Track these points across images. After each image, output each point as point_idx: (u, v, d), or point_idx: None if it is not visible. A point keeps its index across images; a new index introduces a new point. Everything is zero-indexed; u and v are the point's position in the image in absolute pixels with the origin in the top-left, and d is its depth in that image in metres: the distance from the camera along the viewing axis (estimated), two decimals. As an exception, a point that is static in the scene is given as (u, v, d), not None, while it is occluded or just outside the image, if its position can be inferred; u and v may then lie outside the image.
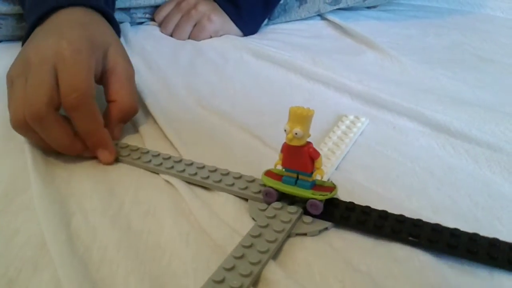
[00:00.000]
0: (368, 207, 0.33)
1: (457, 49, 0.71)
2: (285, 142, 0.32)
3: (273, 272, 0.28)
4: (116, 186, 0.37)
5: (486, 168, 0.39)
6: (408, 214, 0.32)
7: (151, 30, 0.76)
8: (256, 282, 0.28)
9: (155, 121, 0.46)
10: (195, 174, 0.37)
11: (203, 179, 0.36)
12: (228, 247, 0.30)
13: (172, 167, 0.38)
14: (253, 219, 0.33)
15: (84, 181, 0.38)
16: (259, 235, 0.30)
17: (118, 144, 0.42)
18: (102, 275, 0.28)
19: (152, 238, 0.32)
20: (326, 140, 0.42)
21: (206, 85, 0.57)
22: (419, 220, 0.31)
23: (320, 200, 0.32)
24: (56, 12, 0.45)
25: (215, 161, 0.39)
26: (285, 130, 0.31)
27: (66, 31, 0.41)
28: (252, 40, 0.72)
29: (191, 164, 0.38)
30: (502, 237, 0.31)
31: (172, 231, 0.32)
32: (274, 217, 0.32)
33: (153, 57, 0.63)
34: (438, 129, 0.45)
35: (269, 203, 0.33)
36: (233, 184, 0.36)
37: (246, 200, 0.35)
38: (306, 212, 0.33)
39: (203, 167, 0.38)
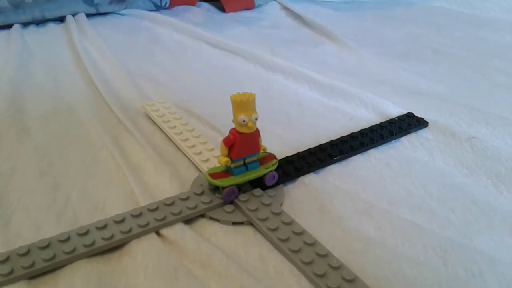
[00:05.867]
0: (291, 156, 0.37)
1: (413, 42, 0.71)
2: (229, 137, 0.31)
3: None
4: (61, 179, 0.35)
5: (440, 160, 0.39)
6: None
7: (113, 19, 0.74)
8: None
9: (110, 108, 0.45)
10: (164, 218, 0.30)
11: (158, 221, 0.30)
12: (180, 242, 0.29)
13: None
14: (233, 223, 0.31)
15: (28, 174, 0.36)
16: (277, 228, 0.30)
17: None
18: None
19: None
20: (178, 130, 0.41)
21: (163, 74, 0.55)
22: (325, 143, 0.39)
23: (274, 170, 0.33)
24: None
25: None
26: (243, 121, 0.30)
27: None
28: (210, 29, 0.71)
29: (140, 214, 0.31)
30: (455, 229, 0.31)
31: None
32: (257, 209, 0.31)
33: (109, 44, 0.61)
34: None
35: (231, 202, 0.32)
36: (180, 212, 0.31)
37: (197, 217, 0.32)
38: (262, 188, 0.33)
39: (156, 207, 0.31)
